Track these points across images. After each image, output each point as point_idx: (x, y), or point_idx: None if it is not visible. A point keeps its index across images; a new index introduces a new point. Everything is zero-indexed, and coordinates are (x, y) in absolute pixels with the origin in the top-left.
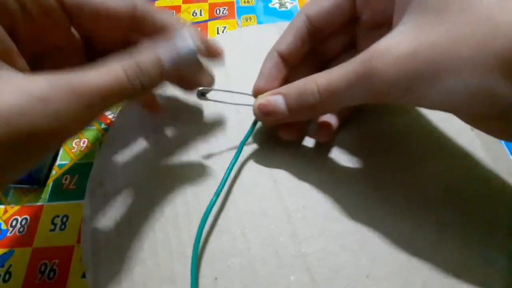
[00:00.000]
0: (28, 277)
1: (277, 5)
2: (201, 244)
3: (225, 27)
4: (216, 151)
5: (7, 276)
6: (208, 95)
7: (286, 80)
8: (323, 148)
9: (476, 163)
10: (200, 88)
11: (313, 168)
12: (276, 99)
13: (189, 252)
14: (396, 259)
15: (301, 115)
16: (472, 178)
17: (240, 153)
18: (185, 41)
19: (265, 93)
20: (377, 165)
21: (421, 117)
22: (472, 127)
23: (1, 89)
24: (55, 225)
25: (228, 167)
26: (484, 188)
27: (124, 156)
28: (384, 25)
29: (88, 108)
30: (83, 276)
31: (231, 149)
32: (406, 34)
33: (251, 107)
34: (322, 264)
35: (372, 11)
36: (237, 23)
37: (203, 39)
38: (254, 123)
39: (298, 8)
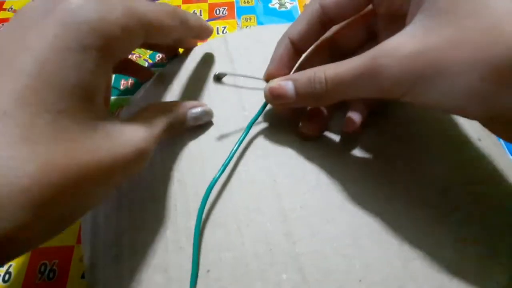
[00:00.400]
0: (28, 277)
1: (277, 5)
2: (204, 216)
3: (224, 27)
4: (219, 143)
5: (7, 276)
6: (224, 79)
7: (299, 68)
8: (325, 149)
9: (482, 174)
10: (217, 72)
11: (314, 169)
12: (286, 84)
13: (183, 242)
14: (390, 265)
15: (307, 102)
16: (476, 190)
17: (247, 133)
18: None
19: (278, 78)
20: (378, 170)
21: (426, 124)
22: (479, 137)
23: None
24: None
25: (236, 143)
26: (489, 200)
27: None
28: (402, 19)
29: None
30: (83, 276)
31: (237, 131)
32: (414, 34)
33: (255, 107)
34: (315, 265)
35: (389, 4)
36: (237, 23)
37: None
38: (264, 105)
39: (298, 8)
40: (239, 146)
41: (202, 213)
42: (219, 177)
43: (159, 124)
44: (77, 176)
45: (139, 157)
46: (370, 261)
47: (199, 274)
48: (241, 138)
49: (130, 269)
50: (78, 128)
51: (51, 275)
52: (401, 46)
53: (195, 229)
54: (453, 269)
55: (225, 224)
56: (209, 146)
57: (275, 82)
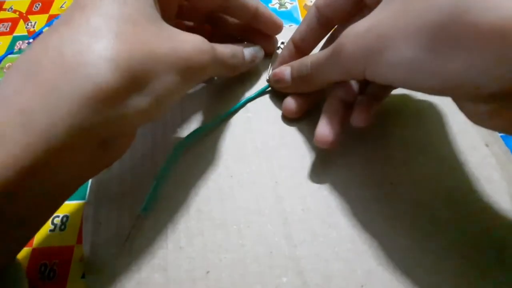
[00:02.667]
0: (28, 278)
1: (277, 6)
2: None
3: None
4: (221, 148)
5: None
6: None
7: None
8: (327, 153)
9: (488, 181)
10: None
11: (316, 172)
12: (285, 69)
13: (183, 242)
14: (392, 272)
15: (300, 85)
16: (483, 197)
17: (240, 105)
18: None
19: (282, 65)
20: (381, 174)
21: (432, 128)
22: (486, 143)
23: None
24: (55, 225)
25: (229, 110)
26: (493, 207)
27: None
28: None
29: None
30: (83, 276)
31: (238, 132)
32: (371, 15)
33: (259, 109)
34: (316, 269)
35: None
36: None
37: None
38: (264, 88)
39: (298, 8)
40: (227, 114)
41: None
42: (202, 129)
43: (219, 48)
44: (152, 56)
45: (200, 55)
46: (372, 267)
47: (199, 276)
48: (232, 108)
49: (130, 268)
50: (151, 25)
51: (51, 275)
52: (357, 26)
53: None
54: (457, 276)
55: (225, 225)
56: (209, 146)
57: (278, 69)
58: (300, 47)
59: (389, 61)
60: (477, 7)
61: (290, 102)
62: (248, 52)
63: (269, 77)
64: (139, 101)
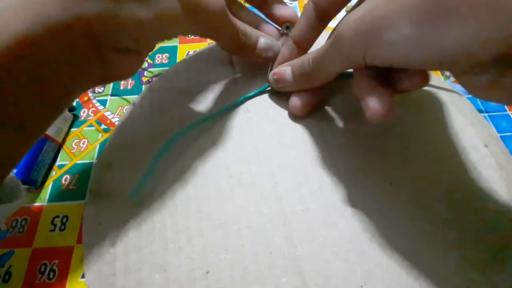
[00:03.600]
0: (28, 278)
1: None
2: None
3: None
4: (221, 148)
5: (7, 277)
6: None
7: None
8: (327, 153)
9: (487, 182)
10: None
11: (316, 172)
12: (286, 69)
13: (183, 242)
14: (392, 273)
15: (302, 83)
16: (481, 197)
17: (239, 103)
18: (276, 42)
19: (281, 65)
20: (381, 175)
21: (432, 128)
22: (486, 144)
23: None
24: (55, 225)
25: (224, 107)
26: (492, 207)
27: (132, 143)
28: None
29: None
30: (83, 276)
31: (239, 133)
32: (365, 2)
33: (258, 109)
34: (315, 270)
35: None
36: None
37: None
38: (265, 87)
39: (298, 8)
40: (223, 111)
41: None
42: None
43: (234, 19)
44: None
45: (214, 4)
46: (371, 267)
47: (199, 276)
48: (230, 106)
49: (129, 268)
50: None
51: (51, 275)
52: (353, 13)
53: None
54: (456, 278)
55: (225, 225)
56: (209, 146)
57: (277, 68)
58: (300, 43)
59: (388, 40)
60: None
61: (295, 100)
62: (264, 40)
63: (268, 77)
64: (137, 9)
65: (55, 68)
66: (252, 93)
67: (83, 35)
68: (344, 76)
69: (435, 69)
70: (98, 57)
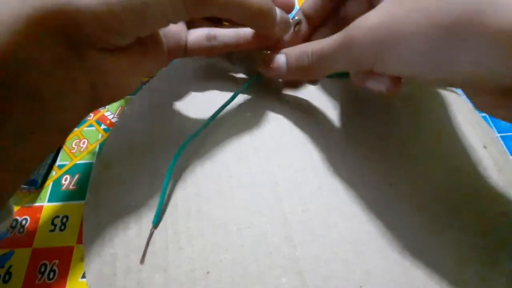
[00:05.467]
0: (28, 278)
1: None
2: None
3: None
4: (221, 148)
5: (7, 277)
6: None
7: (308, 39)
8: (327, 153)
9: (486, 183)
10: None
11: (316, 172)
12: (280, 57)
13: (183, 242)
14: (391, 273)
15: (297, 75)
16: (480, 199)
17: (233, 99)
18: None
19: (274, 52)
20: (381, 176)
21: (432, 129)
22: (484, 145)
23: None
24: (55, 225)
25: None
26: (490, 208)
27: (131, 142)
28: None
29: None
30: (83, 276)
31: (238, 133)
32: (382, 7)
33: (257, 108)
34: (315, 270)
35: None
36: None
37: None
38: (257, 76)
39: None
40: (223, 108)
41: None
42: (199, 132)
43: None
44: None
45: None
46: (370, 268)
47: (199, 276)
48: (225, 103)
49: (130, 268)
50: None
51: (51, 275)
52: (369, 19)
53: (168, 169)
54: (454, 278)
55: (225, 226)
56: (209, 146)
57: (271, 54)
58: (311, 18)
59: (401, 56)
60: (490, 10)
61: (282, 59)
62: (279, 11)
63: (259, 63)
64: None
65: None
66: (246, 84)
67: (51, 32)
68: (343, 76)
69: (444, 87)
70: (79, 58)
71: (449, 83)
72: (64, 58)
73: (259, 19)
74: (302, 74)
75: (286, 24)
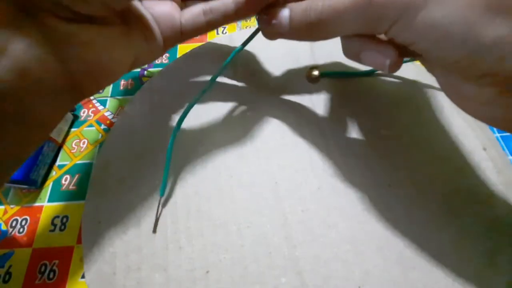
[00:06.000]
0: (28, 278)
1: None
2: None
3: (224, 28)
4: (221, 147)
5: (7, 277)
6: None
7: None
8: (328, 154)
9: (485, 184)
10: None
11: (316, 173)
12: (283, 11)
13: (183, 242)
14: (390, 274)
15: (301, 33)
16: (479, 200)
17: (229, 60)
18: None
19: (276, 6)
20: (380, 176)
21: (431, 130)
22: (484, 147)
23: None
24: (55, 225)
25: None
26: (489, 210)
27: (131, 141)
28: None
29: None
30: (83, 276)
31: (237, 131)
32: None
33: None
34: (315, 270)
35: None
36: (237, 24)
37: None
38: (255, 32)
39: None
40: (218, 75)
41: (179, 127)
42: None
43: None
44: None
45: None
46: (369, 268)
47: (199, 276)
48: (216, 74)
49: (130, 268)
50: None
51: (51, 275)
52: None
53: (169, 143)
54: (453, 279)
55: (225, 225)
56: (209, 146)
57: (273, 9)
58: None
59: (427, 20)
60: None
61: (285, 14)
62: (187, 13)
63: (259, 16)
64: None
65: None
66: (243, 43)
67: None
68: (343, 75)
69: (451, 64)
70: (36, 24)
71: (466, 59)
72: (15, 20)
73: None
74: (306, 33)
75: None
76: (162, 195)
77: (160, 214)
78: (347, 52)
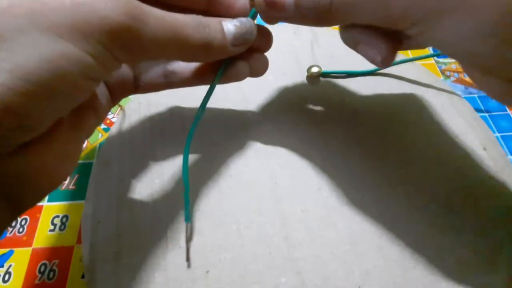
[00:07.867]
0: (27, 278)
1: None
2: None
3: None
4: (221, 147)
5: (6, 277)
6: None
7: None
8: (328, 154)
9: (485, 184)
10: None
11: (316, 173)
12: None
13: (183, 241)
14: (390, 273)
15: (306, 19)
16: (479, 200)
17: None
18: (247, 20)
19: None
20: (380, 176)
21: (431, 130)
22: (484, 147)
23: None
24: (55, 225)
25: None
26: (489, 210)
27: (130, 140)
28: None
29: None
30: (83, 276)
31: (239, 131)
32: None
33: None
34: (314, 270)
35: None
36: None
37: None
38: (253, 15)
39: None
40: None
41: (189, 143)
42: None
43: (169, 15)
44: None
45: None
46: (369, 268)
47: (199, 275)
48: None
49: (129, 268)
50: None
51: (51, 275)
52: None
53: (183, 162)
54: (453, 279)
55: (225, 225)
56: (209, 146)
57: None
58: None
59: (455, 26)
60: None
61: None
62: (232, 25)
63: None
64: None
65: None
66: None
67: None
68: (343, 75)
69: (484, 75)
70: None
71: (493, 73)
72: None
73: (206, 52)
74: (313, 19)
75: (244, 31)
76: (188, 221)
77: (190, 244)
78: (345, 41)
